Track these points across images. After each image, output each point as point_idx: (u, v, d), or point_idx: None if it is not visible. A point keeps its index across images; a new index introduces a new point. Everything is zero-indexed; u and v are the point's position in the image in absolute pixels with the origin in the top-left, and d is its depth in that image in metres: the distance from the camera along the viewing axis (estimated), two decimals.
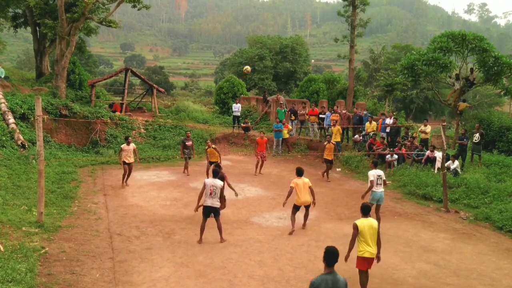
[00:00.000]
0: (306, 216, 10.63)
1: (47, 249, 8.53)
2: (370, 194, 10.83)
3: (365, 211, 7.12)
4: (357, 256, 7.12)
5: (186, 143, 16.78)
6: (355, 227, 7.00)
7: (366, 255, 7.00)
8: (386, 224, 10.99)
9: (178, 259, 8.69)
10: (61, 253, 8.47)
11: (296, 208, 10.35)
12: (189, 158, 16.78)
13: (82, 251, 8.74)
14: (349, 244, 7.10)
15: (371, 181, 10.66)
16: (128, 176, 14.58)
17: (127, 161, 14.35)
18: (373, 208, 10.59)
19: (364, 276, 7.15)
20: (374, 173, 10.63)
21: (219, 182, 9.52)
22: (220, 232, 9.65)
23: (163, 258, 8.71)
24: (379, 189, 10.68)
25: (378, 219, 10.46)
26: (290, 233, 10.27)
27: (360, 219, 7.08)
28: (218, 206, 9.51)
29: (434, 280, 8.12)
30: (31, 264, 7.58)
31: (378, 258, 7.20)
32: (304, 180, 10.20)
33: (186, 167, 16.66)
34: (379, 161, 17.32)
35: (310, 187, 10.21)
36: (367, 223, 7.00)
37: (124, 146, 14.53)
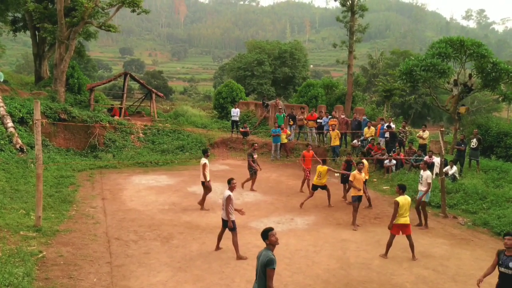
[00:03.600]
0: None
1: (44, 253, 8.52)
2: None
3: (403, 188, 9.47)
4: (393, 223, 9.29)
5: (254, 156, 15.08)
6: (396, 203, 9.17)
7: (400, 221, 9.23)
8: (384, 230, 10.98)
9: (176, 264, 8.68)
10: (58, 258, 8.46)
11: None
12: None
13: (80, 255, 8.72)
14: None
15: (429, 183, 11.81)
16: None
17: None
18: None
19: (392, 238, 9.40)
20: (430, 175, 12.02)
21: (225, 193, 9.16)
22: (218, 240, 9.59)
23: (161, 263, 8.70)
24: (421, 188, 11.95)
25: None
26: None
27: (399, 197, 9.29)
28: (226, 219, 9.12)
29: (432, 286, 8.13)
30: (28, 268, 7.56)
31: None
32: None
33: (253, 183, 15.15)
34: (377, 166, 17.52)
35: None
36: (405, 199, 9.25)
37: (205, 160, 12.42)
